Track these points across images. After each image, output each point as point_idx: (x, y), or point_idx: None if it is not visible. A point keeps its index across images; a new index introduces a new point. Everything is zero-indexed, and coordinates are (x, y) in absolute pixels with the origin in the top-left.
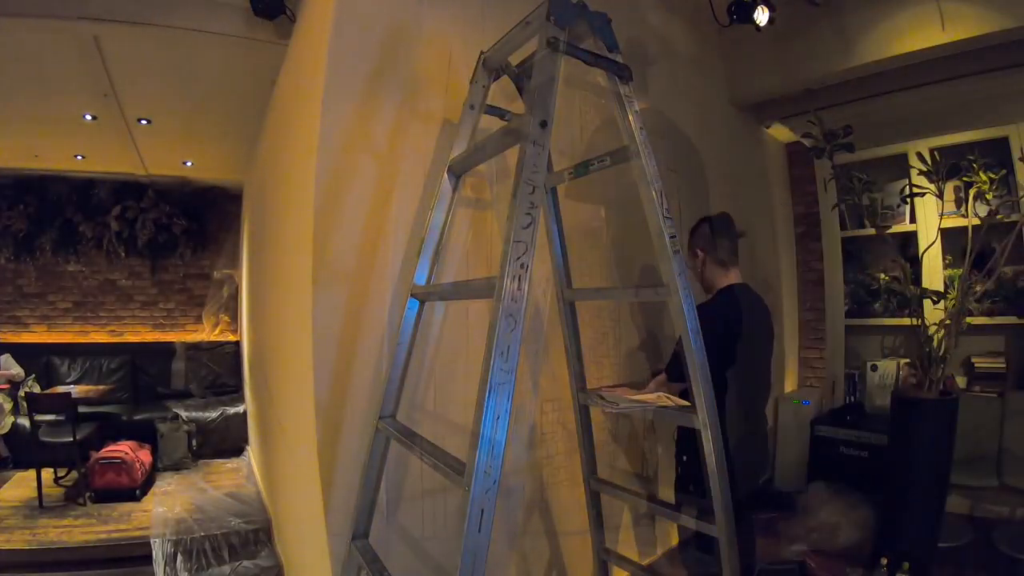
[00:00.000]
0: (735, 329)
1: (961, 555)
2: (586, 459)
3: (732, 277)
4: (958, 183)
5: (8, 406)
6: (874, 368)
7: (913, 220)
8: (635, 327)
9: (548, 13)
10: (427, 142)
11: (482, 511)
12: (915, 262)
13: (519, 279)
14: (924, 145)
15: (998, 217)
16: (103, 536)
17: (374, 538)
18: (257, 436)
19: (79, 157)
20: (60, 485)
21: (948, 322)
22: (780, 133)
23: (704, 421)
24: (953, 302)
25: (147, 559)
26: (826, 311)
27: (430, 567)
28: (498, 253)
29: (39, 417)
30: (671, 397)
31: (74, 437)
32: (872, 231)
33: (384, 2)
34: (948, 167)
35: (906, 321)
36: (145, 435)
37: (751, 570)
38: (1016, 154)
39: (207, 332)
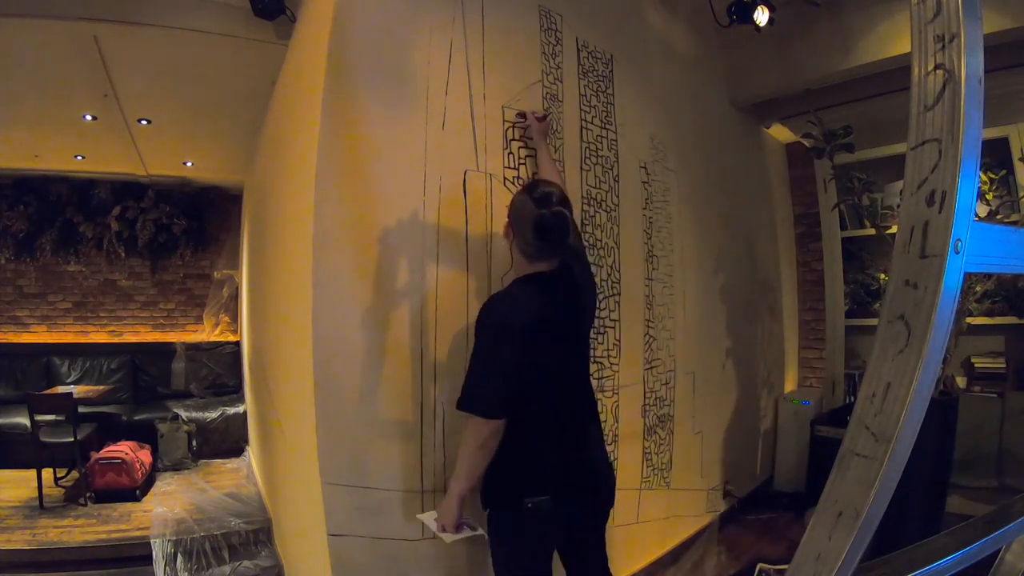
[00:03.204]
0: (528, 338)
1: None
2: None
3: (534, 267)
4: None
5: None
6: None
7: None
8: None
9: None
10: (427, 141)
11: None
12: None
13: None
14: None
15: (998, 217)
16: (103, 536)
17: None
18: (257, 436)
19: (79, 157)
20: (60, 485)
21: None
22: (780, 133)
23: None
24: None
25: (147, 559)
26: (826, 311)
27: None
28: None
29: (39, 417)
30: None
31: (74, 437)
32: (872, 231)
33: (384, 2)
34: None
35: None
36: (145, 435)
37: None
38: (1016, 154)
39: (207, 332)
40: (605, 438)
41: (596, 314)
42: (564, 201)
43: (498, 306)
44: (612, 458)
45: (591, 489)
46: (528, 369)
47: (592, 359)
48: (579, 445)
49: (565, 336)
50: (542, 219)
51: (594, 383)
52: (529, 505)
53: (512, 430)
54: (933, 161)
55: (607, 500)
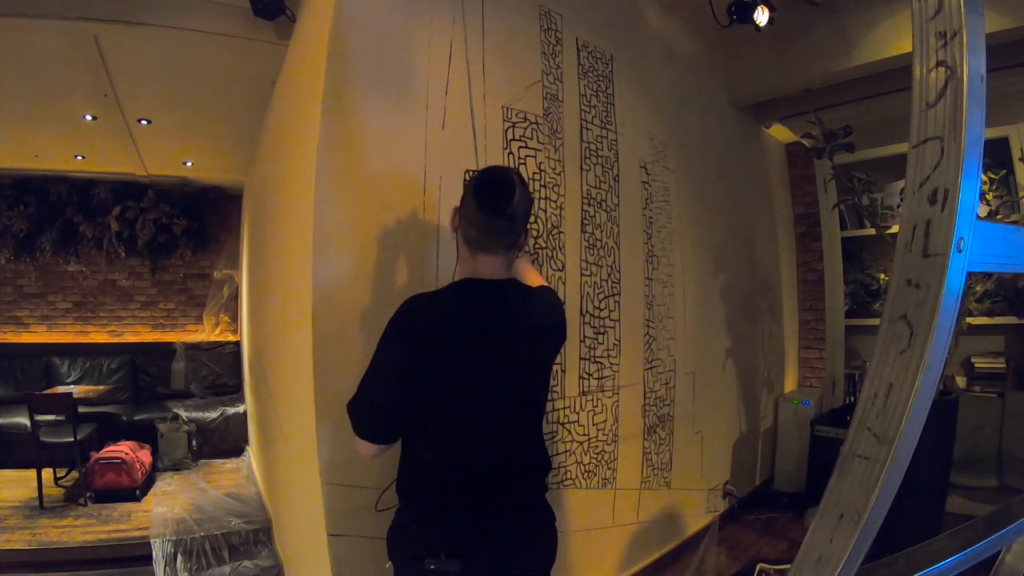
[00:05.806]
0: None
1: None
2: None
3: (476, 268)
4: None
5: None
6: None
7: None
8: None
9: None
10: (427, 141)
11: None
12: None
13: None
14: None
15: (998, 218)
16: (103, 536)
17: None
18: (257, 436)
19: (79, 157)
20: (60, 485)
21: None
22: (780, 133)
23: None
24: None
25: (147, 559)
26: (826, 311)
27: None
28: None
29: (39, 417)
30: None
31: (74, 437)
32: (872, 231)
33: (384, 2)
34: None
35: None
36: (145, 435)
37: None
38: (1016, 154)
39: (207, 332)
40: (554, 484)
41: (555, 354)
42: (515, 174)
43: (416, 308)
44: (613, 458)
45: (513, 555)
46: (435, 390)
47: (592, 359)
48: (503, 500)
49: (498, 361)
50: (484, 180)
51: (594, 383)
52: (431, 568)
53: (417, 472)
54: (935, 159)
55: (536, 569)
